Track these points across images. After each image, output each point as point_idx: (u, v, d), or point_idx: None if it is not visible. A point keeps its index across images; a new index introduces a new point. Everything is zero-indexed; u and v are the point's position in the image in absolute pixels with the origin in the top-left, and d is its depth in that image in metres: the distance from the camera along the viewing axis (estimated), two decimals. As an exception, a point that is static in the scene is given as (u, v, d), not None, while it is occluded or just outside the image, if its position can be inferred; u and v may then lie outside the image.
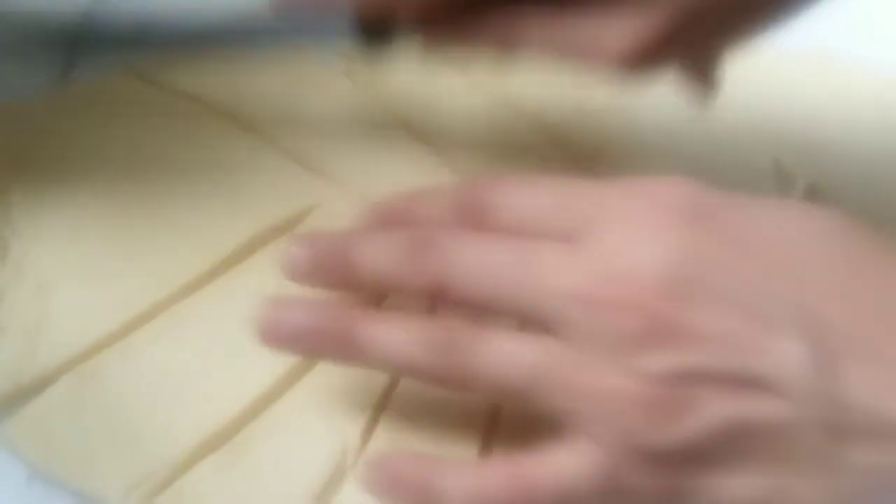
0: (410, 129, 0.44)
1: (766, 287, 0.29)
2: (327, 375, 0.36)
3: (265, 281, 0.38)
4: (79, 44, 0.45)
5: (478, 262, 0.31)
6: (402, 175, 0.42)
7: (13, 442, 0.34)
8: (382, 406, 0.36)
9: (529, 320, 0.31)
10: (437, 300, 0.33)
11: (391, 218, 0.35)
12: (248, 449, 0.34)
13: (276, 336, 0.33)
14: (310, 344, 0.33)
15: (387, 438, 0.35)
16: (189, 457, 0.34)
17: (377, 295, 0.38)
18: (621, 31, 0.33)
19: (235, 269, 0.38)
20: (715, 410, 0.28)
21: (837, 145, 0.46)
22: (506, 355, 0.30)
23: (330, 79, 0.45)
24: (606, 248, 0.30)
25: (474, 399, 0.36)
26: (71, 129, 0.41)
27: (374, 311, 0.34)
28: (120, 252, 0.38)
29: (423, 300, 0.34)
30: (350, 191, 0.41)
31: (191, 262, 0.38)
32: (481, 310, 0.32)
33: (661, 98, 0.47)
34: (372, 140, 0.43)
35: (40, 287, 0.37)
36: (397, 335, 0.31)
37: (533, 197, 0.32)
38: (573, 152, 0.44)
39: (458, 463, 0.33)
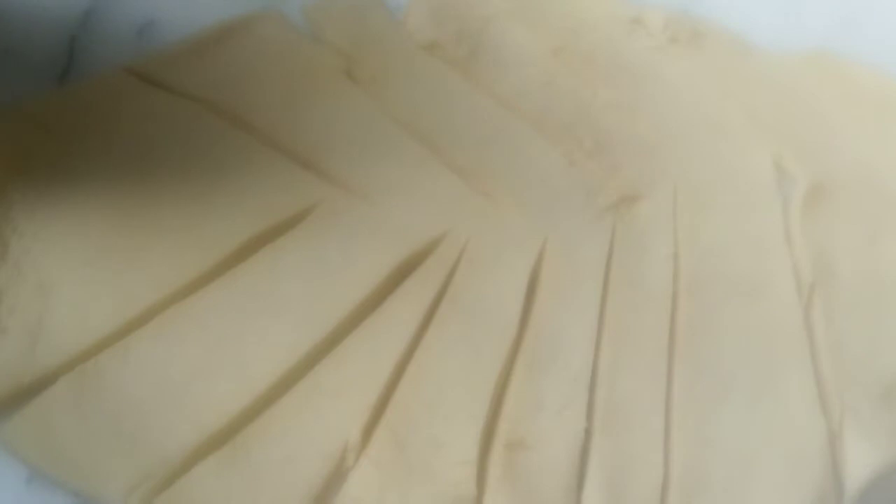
0: (411, 129, 0.44)
1: None
2: (327, 375, 0.36)
3: (265, 281, 0.38)
4: (79, 44, 0.45)
5: None
6: (402, 175, 0.42)
7: (13, 442, 0.34)
8: (382, 406, 0.36)
9: None
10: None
11: None
12: (248, 449, 0.34)
13: None
14: None
15: (387, 438, 0.35)
16: (189, 456, 0.34)
17: (373, 301, 0.38)
18: None
19: (235, 269, 0.38)
20: None
21: (838, 145, 0.46)
22: None
23: (330, 79, 0.45)
24: None
25: (473, 400, 0.36)
26: (71, 129, 0.41)
27: None
28: (120, 252, 0.38)
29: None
30: (350, 191, 0.41)
31: (191, 262, 0.38)
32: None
33: (661, 96, 0.47)
34: (372, 139, 0.43)
35: (40, 287, 0.37)
36: None
37: None
38: (574, 150, 0.44)
39: None
